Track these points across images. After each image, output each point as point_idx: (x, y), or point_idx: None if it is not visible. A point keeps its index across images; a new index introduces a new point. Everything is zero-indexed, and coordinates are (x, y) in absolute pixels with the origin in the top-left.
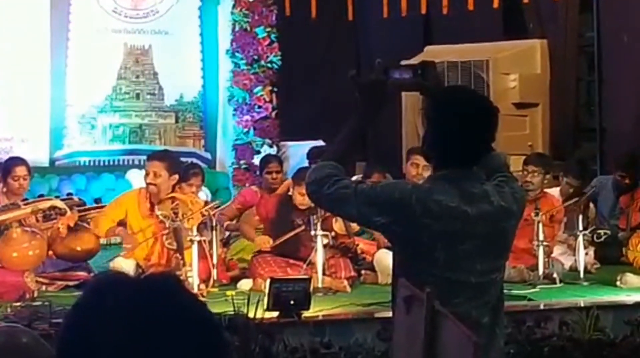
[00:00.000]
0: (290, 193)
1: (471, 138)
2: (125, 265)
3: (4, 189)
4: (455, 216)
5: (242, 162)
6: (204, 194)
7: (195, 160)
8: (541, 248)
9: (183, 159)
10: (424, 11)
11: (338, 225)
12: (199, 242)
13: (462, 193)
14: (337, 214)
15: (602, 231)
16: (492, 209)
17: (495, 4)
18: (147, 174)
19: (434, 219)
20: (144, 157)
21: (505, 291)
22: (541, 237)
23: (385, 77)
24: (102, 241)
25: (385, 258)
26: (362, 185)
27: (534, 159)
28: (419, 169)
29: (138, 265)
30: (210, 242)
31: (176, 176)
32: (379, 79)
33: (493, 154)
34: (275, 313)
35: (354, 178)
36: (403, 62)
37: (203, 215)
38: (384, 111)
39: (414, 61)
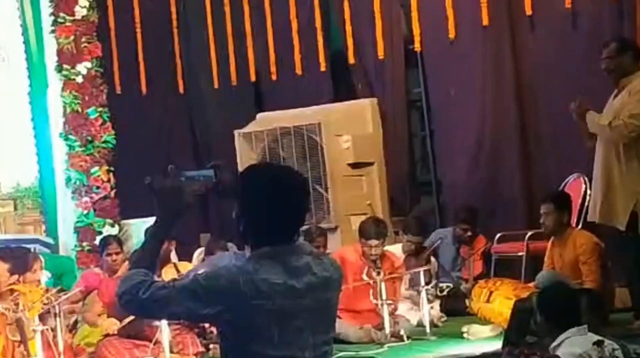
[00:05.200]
0: None
1: (285, 212)
2: None
3: None
4: (283, 292)
5: (84, 244)
6: (45, 276)
7: (38, 246)
8: (385, 306)
9: (26, 246)
10: (253, 79)
11: None
12: (42, 331)
13: (286, 268)
14: (160, 317)
15: (444, 285)
16: (316, 281)
17: (322, 67)
18: None
19: (265, 299)
20: None
21: (353, 353)
22: (384, 296)
23: (179, 183)
24: None
25: None
26: (182, 281)
27: (371, 232)
28: None
29: None
30: (55, 330)
31: (16, 276)
32: (174, 185)
33: (298, 243)
34: None
35: (198, 251)
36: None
37: (45, 304)
38: (184, 215)
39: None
